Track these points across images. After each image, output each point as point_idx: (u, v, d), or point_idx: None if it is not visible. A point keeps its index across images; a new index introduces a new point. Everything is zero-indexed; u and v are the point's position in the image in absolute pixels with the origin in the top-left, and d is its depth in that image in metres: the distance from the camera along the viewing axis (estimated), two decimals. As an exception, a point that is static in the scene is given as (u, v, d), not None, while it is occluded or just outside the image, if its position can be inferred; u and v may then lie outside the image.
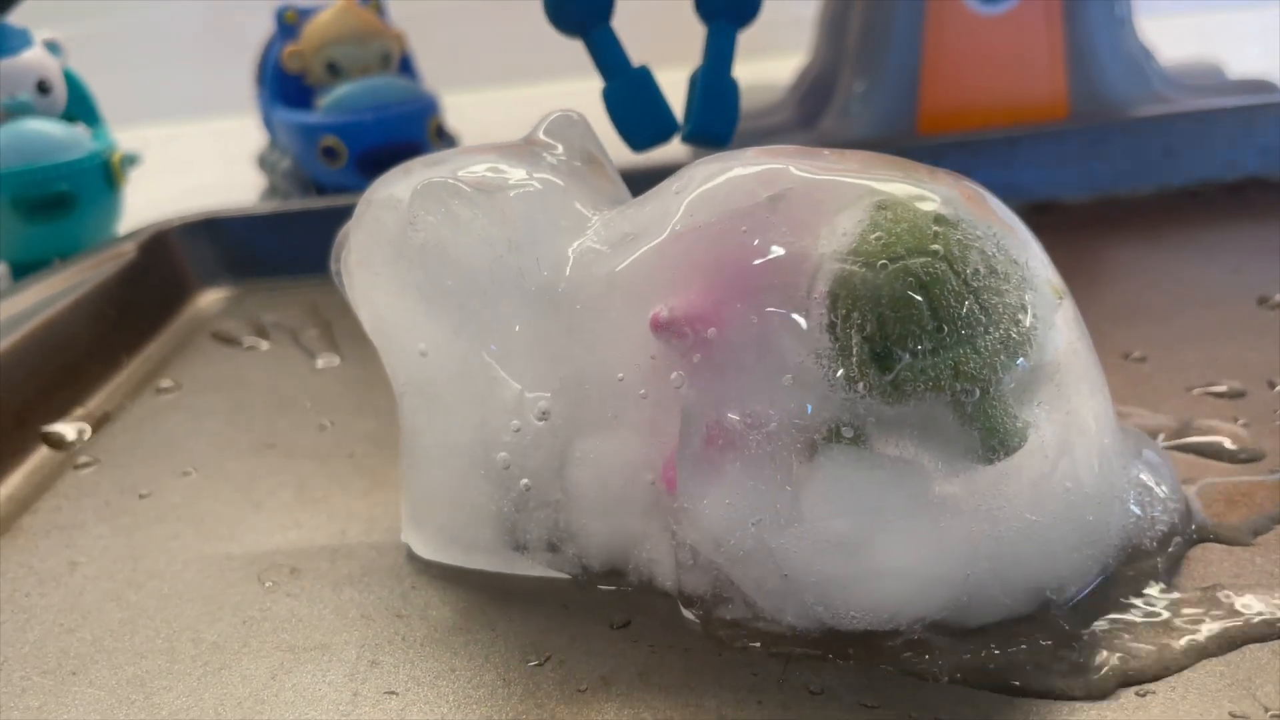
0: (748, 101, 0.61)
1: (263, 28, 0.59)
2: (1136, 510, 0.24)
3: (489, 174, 0.25)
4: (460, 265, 0.24)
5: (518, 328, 0.24)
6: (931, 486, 0.21)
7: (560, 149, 0.26)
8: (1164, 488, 0.25)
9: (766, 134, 0.57)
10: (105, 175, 0.51)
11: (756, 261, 0.21)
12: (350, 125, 0.55)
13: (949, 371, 0.20)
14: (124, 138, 0.55)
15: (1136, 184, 0.47)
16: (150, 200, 0.56)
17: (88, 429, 0.37)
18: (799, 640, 0.22)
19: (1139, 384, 0.32)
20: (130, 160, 0.53)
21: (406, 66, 0.60)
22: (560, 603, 0.25)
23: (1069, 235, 0.45)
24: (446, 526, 0.26)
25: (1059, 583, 0.22)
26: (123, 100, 0.61)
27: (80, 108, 0.53)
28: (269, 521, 0.30)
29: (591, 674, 0.22)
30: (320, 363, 0.41)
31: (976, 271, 0.20)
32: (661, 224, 0.23)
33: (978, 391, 0.20)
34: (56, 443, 0.36)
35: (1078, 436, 0.22)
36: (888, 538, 0.21)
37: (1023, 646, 0.22)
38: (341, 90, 0.56)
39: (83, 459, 0.35)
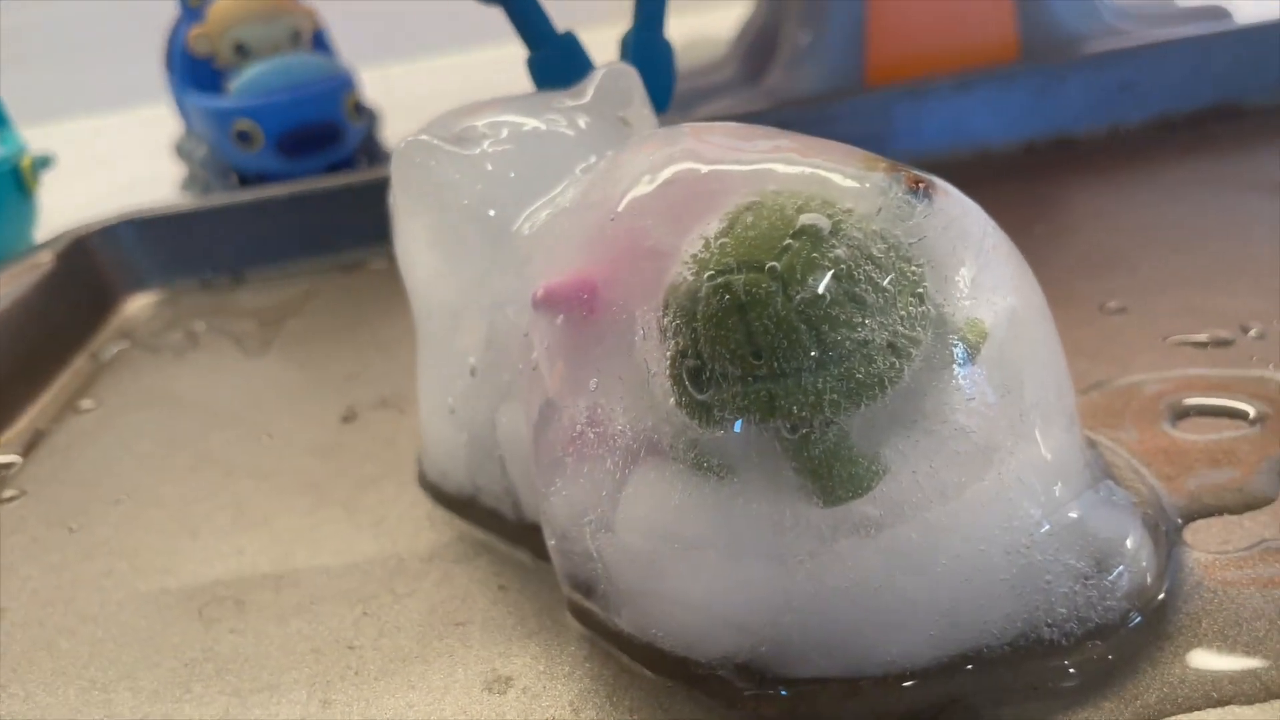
0: (690, 58, 0.60)
1: (168, 11, 0.56)
2: (1042, 599, 0.20)
3: (485, 128, 0.25)
4: (435, 215, 0.25)
5: (475, 280, 0.25)
6: (742, 521, 0.18)
7: (589, 100, 0.26)
8: (1113, 574, 0.20)
9: (711, 92, 0.55)
10: (16, 182, 0.48)
11: (627, 251, 0.20)
12: (262, 107, 0.53)
13: (763, 403, 0.17)
14: (34, 136, 0.52)
15: (1093, 123, 0.46)
16: (70, 203, 0.53)
17: (15, 458, 0.34)
18: (627, 647, 0.21)
19: (1112, 337, 0.31)
20: (42, 163, 0.50)
21: (321, 43, 0.57)
22: (520, 621, 0.23)
23: (1027, 181, 0.43)
24: (433, 454, 0.28)
25: (895, 657, 0.19)
26: (30, 98, 0.58)
27: (-16, 111, 0.50)
28: (208, 550, 0.28)
29: (559, 700, 0.21)
30: (258, 369, 0.39)
31: (820, 298, 0.17)
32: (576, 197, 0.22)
33: (800, 430, 0.18)
34: (-19, 473, 0.34)
35: (961, 503, 0.18)
36: (683, 566, 0.19)
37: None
38: (251, 72, 0.53)
39: (8, 491, 0.32)
